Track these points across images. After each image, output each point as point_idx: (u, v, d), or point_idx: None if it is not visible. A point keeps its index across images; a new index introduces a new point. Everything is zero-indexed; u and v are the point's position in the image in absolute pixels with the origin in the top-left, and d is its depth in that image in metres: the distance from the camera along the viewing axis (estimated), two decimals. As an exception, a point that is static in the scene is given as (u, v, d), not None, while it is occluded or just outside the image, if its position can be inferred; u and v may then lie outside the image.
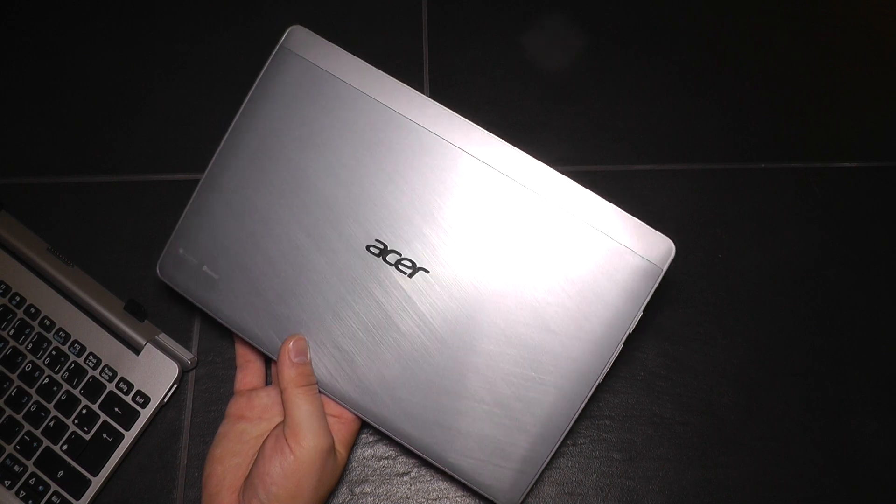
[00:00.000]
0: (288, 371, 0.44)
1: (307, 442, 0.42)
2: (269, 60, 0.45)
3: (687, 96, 0.62)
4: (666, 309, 0.55)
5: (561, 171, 0.43)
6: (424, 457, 0.45)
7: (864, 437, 0.52)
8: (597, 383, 0.42)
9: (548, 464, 0.43)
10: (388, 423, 0.45)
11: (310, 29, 0.45)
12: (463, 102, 0.60)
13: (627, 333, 0.42)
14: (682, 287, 0.56)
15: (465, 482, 0.44)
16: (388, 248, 0.43)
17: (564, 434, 0.43)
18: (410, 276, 0.43)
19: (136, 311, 0.52)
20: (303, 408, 0.43)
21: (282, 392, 0.44)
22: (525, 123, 0.60)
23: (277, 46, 0.45)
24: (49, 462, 0.49)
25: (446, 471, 0.45)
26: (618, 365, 0.53)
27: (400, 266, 0.43)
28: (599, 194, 0.42)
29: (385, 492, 0.50)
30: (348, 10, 0.64)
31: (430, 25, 0.63)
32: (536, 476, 0.43)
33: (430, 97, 0.44)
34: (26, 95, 0.61)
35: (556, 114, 0.61)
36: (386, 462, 0.51)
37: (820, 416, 0.52)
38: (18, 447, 0.49)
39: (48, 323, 0.51)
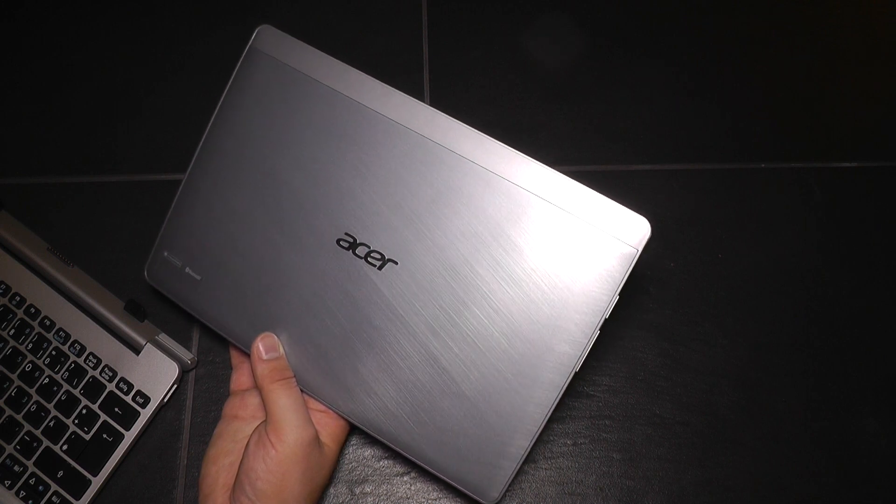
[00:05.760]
0: (260, 368, 0.44)
1: (287, 436, 0.42)
2: (240, 61, 0.45)
3: (687, 96, 0.62)
4: (666, 309, 0.55)
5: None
6: (400, 451, 0.44)
7: (864, 436, 0.52)
8: (573, 372, 0.41)
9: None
10: (363, 417, 0.44)
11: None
12: (463, 102, 0.61)
13: (603, 319, 0.40)
14: (682, 287, 0.56)
15: (442, 477, 0.44)
16: (358, 241, 0.43)
17: (542, 425, 0.41)
18: (380, 268, 0.43)
19: (136, 311, 0.52)
20: (280, 402, 0.43)
21: (259, 390, 0.44)
22: (525, 123, 0.60)
23: (247, 47, 0.45)
24: (49, 462, 0.49)
25: (423, 465, 0.44)
26: (618, 364, 0.54)
27: (369, 259, 0.43)
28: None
29: (385, 492, 0.50)
30: (348, 10, 0.64)
31: (430, 26, 0.63)
32: (515, 470, 0.42)
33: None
34: (26, 95, 0.61)
35: (556, 114, 0.61)
36: (386, 462, 0.51)
37: (820, 416, 0.52)
38: (18, 447, 0.49)
39: (48, 323, 0.51)
